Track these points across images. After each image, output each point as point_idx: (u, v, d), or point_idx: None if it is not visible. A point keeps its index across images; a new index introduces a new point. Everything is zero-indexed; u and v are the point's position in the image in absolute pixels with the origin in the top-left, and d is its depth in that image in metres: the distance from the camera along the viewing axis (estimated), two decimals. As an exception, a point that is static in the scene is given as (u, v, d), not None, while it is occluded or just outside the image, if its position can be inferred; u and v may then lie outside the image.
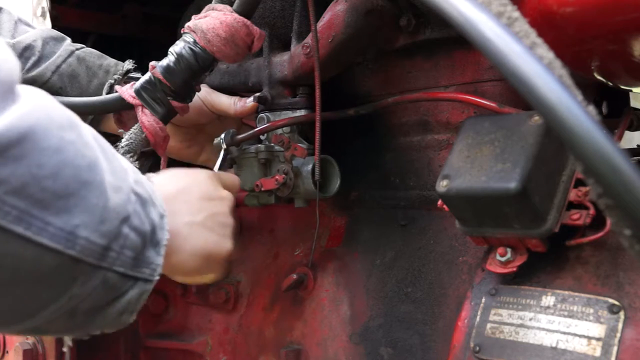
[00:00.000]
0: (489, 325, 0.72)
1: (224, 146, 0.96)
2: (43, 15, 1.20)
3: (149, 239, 0.57)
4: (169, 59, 0.85)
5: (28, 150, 0.45)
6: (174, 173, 0.76)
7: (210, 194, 0.75)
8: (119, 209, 0.52)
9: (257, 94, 0.98)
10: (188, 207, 0.70)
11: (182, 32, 0.87)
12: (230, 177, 0.90)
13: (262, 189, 0.95)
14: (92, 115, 1.00)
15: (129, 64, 1.00)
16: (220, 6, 0.86)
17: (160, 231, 0.59)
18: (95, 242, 0.50)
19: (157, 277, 0.58)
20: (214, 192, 0.76)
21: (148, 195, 0.58)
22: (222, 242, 0.73)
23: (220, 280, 0.78)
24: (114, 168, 0.54)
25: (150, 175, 0.70)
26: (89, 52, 1.01)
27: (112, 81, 0.98)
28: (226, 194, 0.79)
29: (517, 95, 0.46)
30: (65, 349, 1.10)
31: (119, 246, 0.53)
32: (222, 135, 0.97)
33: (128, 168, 0.57)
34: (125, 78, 0.99)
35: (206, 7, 0.87)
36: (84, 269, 0.50)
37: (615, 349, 0.62)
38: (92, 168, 0.50)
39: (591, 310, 0.66)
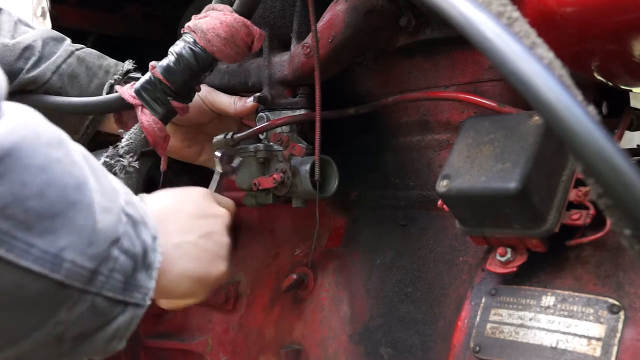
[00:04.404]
0: (489, 325, 0.72)
1: (219, 169, 0.94)
2: (43, 15, 1.20)
3: (141, 261, 0.54)
4: (169, 59, 0.85)
5: (11, 167, 0.42)
6: (166, 192, 0.72)
7: (204, 212, 0.72)
8: (108, 231, 0.49)
9: (257, 94, 0.98)
10: (179, 226, 0.66)
11: (182, 32, 0.87)
12: (225, 198, 0.86)
13: (260, 188, 0.95)
14: (92, 115, 1.00)
15: (129, 64, 1.00)
16: (220, 6, 0.86)
17: (152, 253, 0.56)
18: (82, 266, 0.47)
19: (148, 302, 0.56)
20: (207, 210, 0.73)
21: (140, 216, 0.55)
22: (215, 263, 0.69)
23: (203, 300, 0.74)
24: (104, 188, 0.51)
25: (143, 195, 0.66)
26: (88, 52, 1.01)
27: (112, 81, 0.98)
28: (221, 211, 0.76)
29: (517, 95, 0.46)
30: None
31: (108, 270, 0.50)
32: (219, 154, 0.94)
33: (119, 189, 0.55)
34: (125, 78, 0.99)
35: (206, 7, 0.87)
36: (70, 294, 0.47)
37: (615, 349, 0.62)
38: (80, 188, 0.47)
39: (591, 310, 0.66)
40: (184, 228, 0.67)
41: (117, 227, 0.51)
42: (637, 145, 1.16)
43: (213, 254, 0.69)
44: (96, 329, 0.52)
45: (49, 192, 0.45)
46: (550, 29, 0.62)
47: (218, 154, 0.94)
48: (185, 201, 0.71)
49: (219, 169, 0.95)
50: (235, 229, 1.27)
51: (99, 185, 0.51)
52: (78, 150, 0.50)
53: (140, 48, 1.49)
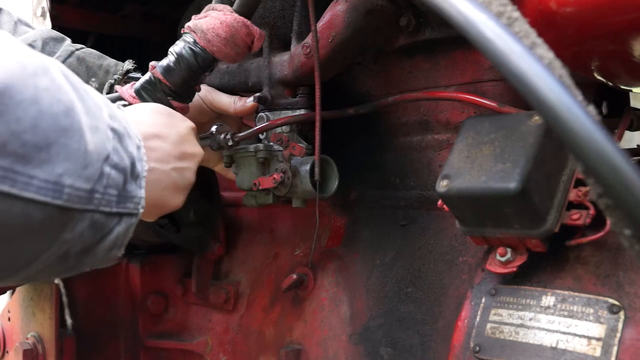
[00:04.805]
0: (489, 325, 0.72)
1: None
2: (43, 15, 1.20)
3: (130, 173, 0.57)
4: (169, 59, 0.85)
5: (5, 106, 0.44)
6: (154, 109, 0.75)
7: (185, 147, 0.74)
8: (99, 150, 0.52)
9: (257, 94, 0.98)
10: (159, 152, 0.69)
11: (182, 32, 0.87)
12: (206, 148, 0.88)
13: (260, 188, 0.95)
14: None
15: (128, 64, 1.00)
16: (220, 6, 0.86)
17: (139, 163, 0.59)
18: (80, 188, 0.50)
19: (141, 210, 0.59)
20: (188, 146, 0.75)
21: (124, 129, 0.58)
22: (176, 197, 0.72)
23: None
24: (89, 107, 0.53)
25: (120, 103, 0.68)
26: (88, 53, 1.01)
27: (112, 81, 0.98)
28: (198, 150, 0.79)
29: (517, 95, 0.46)
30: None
31: (102, 187, 0.53)
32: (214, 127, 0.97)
33: (101, 103, 0.56)
34: (125, 78, 0.99)
35: (206, 7, 0.87)
36: (71, 215, 0.50)
37: (615, 349, 0.62)
38: (69, 113, 0.49)
39: (591, 310, 0.66)
40: (163, 156, 0.70)
41: (106, 145, 0.53)
42: (637, 145, 1.16)
43: (177, 188, 0.72)
44: (97, 242, 0.55)
45: (42, 123, 0.47)
46: (550, 29, 0.62)
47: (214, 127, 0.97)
48: (171, 128, 0.73)
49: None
50: (235, 228, 1.27)
51: (84, 104, 0.52)
52: (59, 72, 0.52)
53: (140, 48, 1.49)
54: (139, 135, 0.61)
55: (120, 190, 0.55)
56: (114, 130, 0.55)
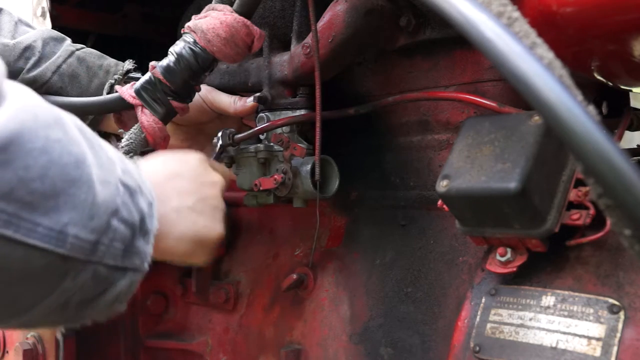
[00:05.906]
0: (489, 325, 0.72)
1: (220, 142, 0.97)
2: (43, 15, 1.20)
3: (138, 229, 0.57)
4: (169, 59, 0.85)
5: (15, 154, 0.44)
6: (164, 158, 0.75)
7: (201, 178, 0.75)
8: (107, 203, 0.52)
9: (257, 94, 0.98)
10: (177, 190, 0.69)
11: (182, 32, 0.87)
12: (221, 166, 0.90)
13: (261, 189, 0.95)
14: (92, 115, 1.00)
15: (129, 64, 1.00)
16: (221, 6, 0.86)
17: (149, 220, 0.59)
18: (84, 239, 0.50)
19: (146, 267, 0.58)
20: (204, 176, 0.76)
21: (136, 184, 0.58)
22: (212, 225, 0.73)
23: (209, 262, 0.77)
24: (101, 160, 0.53)
25: (139, 160, 0.69)
26: (89, 52, 1.01)
27: (113, 81, 0.98)
28: (217, 177, 0.79)
29: (517, 95, 0.46)
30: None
31: (108, 240, 0.53)
32: (220, 134, 0.97)
33: (115, 158, 0.57)
34: (126, 78, 0.99)
35: (206, 7, 0.87)
36: (74, 265, 0.50)
37: (615, 349, 0.62)
38: (79, 164, 0.50)
39: (591, 310, 0.66)
40: (182, 192, 0.70)
41: (115, 199, 0.53)
42: (637, 145, 1.16)
43: (209, 217, 0.73)
44: (98, 294, 0.55)
45: (51, 172, 0.47)
46: (550, 29, 0.63)
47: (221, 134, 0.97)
48: (183, 166, 0.74)
49: (220, 142, 0.97)
50: (235, 228, 1.27)
51: (96, 157, 0.53)
52: (74, 125, 0.52)
53: (140, 48, 1.49)
54: (153, 193, 0.61)
55: (127, 244, 0.55)
56: (125, 185, 0.56)
